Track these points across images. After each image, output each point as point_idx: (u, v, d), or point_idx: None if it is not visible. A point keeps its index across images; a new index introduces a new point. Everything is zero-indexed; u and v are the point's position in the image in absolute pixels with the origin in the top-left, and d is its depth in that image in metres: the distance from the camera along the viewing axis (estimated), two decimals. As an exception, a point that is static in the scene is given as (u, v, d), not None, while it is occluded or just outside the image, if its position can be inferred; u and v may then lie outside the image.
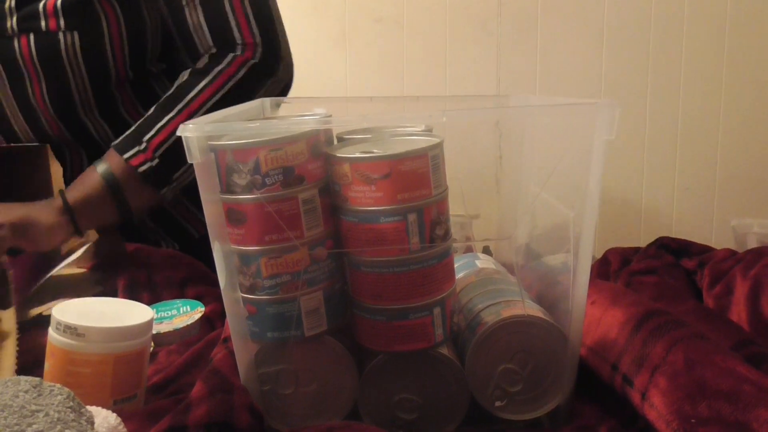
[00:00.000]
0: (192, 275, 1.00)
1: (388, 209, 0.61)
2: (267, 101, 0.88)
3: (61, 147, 1.19)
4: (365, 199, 0.61)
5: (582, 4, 2.12)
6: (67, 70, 1.11)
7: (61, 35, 1.09)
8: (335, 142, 0.69)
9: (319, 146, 0.64)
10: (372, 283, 0.63)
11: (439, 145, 0.63)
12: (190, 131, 0.59)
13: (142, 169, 1.04)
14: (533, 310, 0.66)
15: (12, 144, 1.16)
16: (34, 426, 0.49)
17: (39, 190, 1.11)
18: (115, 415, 0.57)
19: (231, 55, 1.10)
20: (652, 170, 2.15)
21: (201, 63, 1.11)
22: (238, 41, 1.10)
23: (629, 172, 2.15)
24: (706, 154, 2.13)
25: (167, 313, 0.88)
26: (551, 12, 2.12)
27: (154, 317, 0.70)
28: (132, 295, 0.93)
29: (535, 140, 0.78)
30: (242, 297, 0.64)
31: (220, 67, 1.08)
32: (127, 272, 0.99)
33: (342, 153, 0.63)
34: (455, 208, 0.67)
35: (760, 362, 0.67)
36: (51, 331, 0.66)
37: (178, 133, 0.60)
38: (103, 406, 0.58)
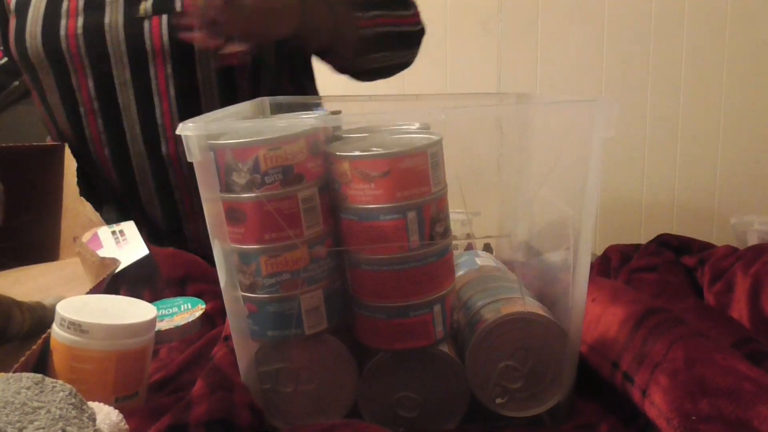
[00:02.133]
0: (192, 273, 1.00)
1: (387, 207, 0.61)
2: (266, 100, 0.88)
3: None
4: (365, 197, 0.61)
5: (582, 2, 2.12)
6: (195, 52, 1.09)
7: None
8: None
9: (319, 145, 0.64)
10: (372, 281, 0.63)
11: (438, 143, 0.63)
12: (190, 130, 0.59)
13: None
14: (533, 307, 0.66)
15: (26, 143, 1.14)
16: (36, 423, 0.49)
17: (48, 192, 1.11)
18: (117, 411, 0.57)
19: (414, 9, 1.24)
20: (653, 167, 2.15)
21: None
22: (415, 8, 1.25)
23: (630, 170, 2.15)
24: (707, 152, 2.13)
25: (168, 311, 0.88)
26: (551, 10, 2.12)
27: (157, 315, 0.70)
28: (133, 292, 0.93)
29: (535, 138, 0.78)
30: (242, 295, 0.64)
31: (409, 12, 1.24)
32: (129, 269, 0.99)
33: (341, 151, 0.63)
34: (456, 206, 0.67)
35: (760, 360, 0.67)
36: (55, 327, 0.66)
37: (178, 131, 0.60)
38: (105, 403, 0.58)
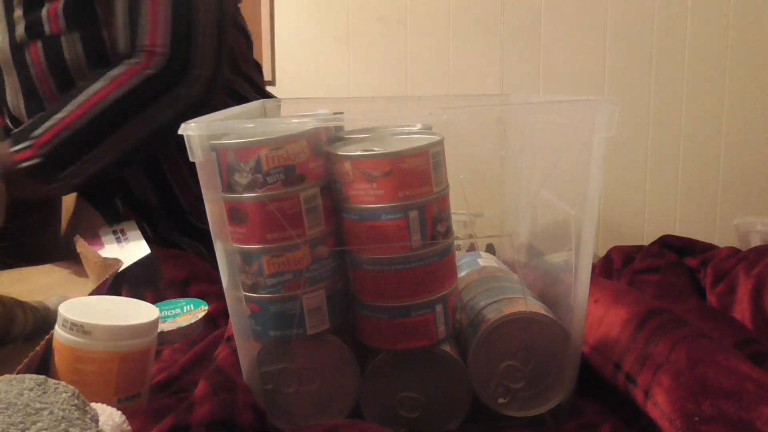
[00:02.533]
0: (195, 274, 1.00)
1: (389, 207, 0.61)
2: (270, 101, 0.88)
3: None
4: (366, 196, 0.61)
5: (585, 2, 2.12)
6: (72, 73, 1.10)
7: (63, 38, 1.08)
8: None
9: (320, 145, 0.64)
10: (374, 281, 0.63)
11: (439, 143, 0.63)
12: (192, 130, 0.59)
13: (24, 165, 1.00)
14: (535, 307, 0.66)
15: None
16: (39, 424, 0.49)
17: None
18: (119, 413, 0.57)
19: (130, 60, 1.03)
20: (655, 169, 2.15)
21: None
22: (143, 47, 1.03)
23: (632, 171, 2.15)
24: (709, 153, 2.13)
25: (171, 312, 0.89)
26: (554, 11, 2.12)
27: (160, 316, 0.70)
28: (135, 293, 0.93)
29: (537, 138, 0.78)
30: (244, 296, 0.64)
31: (114, 72, 1.02)
32: (132, 270, 1.00)
33: (343, 151, 0.63)
34: (458, 207, 0.67)
35: (763, 361, 0.67)
36: (57, 328, 0.66)
37: (180, 131, 0.60)
38: (107, 404, 0.59)
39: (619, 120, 0.59)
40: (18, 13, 1.11)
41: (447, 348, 0.65)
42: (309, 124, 0.63)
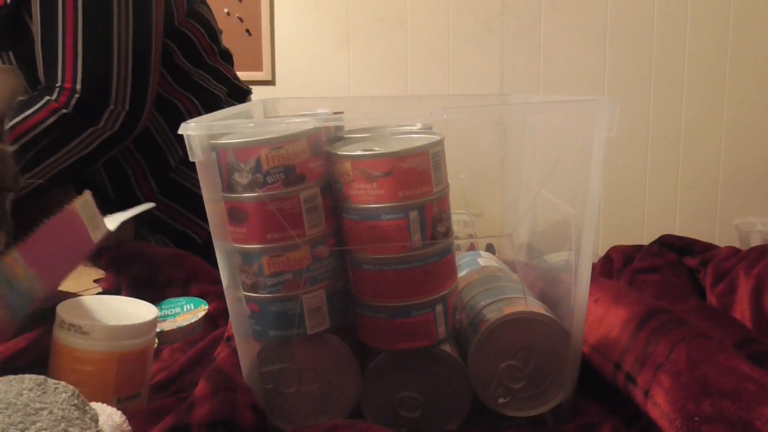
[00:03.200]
0: (196, 273, 1.00)
1: (389, 207, 0.61)
2: (268, 102, 0.88)
3: None
4: (367, 196, 0.61)
5: (585, 2, 2.12)
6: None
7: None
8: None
9: (321, 145, 0.64)
10: (374, 281, 0.63)
11: (440, 143, 0.63)
12: (192, 130, 0.59)
13: None
14: (535, 306, 0.66)
15: None
16: (38, 424, 0.49)
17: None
18: (120, 413, 0.57)
19: (46, 98, 1.01)
20: (656, 169, 2.15)
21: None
22: (58, 83, 1.02)
23: (632, 171, 2.15)
24: (709, 153, 2.13)
25: (171, 311, 0.89)
26: (554, 11, 2.12)
27: (158, 316, 0.70)
28: (136, 293, 0.93)
29: (538, 138, 0.78)
30: (245, 295, 0.64)
31: (31, 111, 1.01)
32: (131, 270, 1.00)
33: (343, 151, 0.63)
34: (458, 207, 0.67)
35: (763, 360, 0.67)
36: (55, 329, 0.66)
37: (180, 131, 0.60)
38: (106, 404, 0.58)
39: (619, 120, 0.59)
40: None
41: (447, 348, 0.65)
42: (309, 123, 0.63)
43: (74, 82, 1.02)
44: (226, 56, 1.33)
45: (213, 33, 1.29)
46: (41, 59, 1.04)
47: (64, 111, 1.01)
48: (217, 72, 1.27)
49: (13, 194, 0.73)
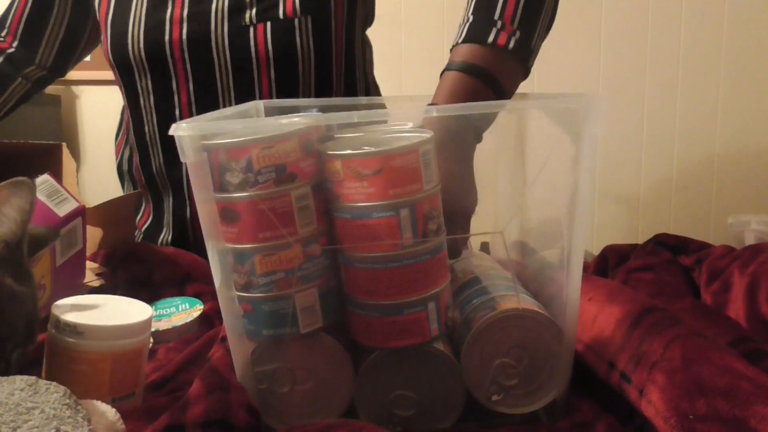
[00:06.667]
0: (192, 273, 1.00)
1: (380, 205, 0.61)
2: (260, 103, 0.88)
3: None
4: (357, 195, 0.61)
5: (579, 1, 2.12)
6: (298, 57, 1.14)
7: (296, 21, 1.12)
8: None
9: (311, 144, 0.64)
10: (366, 279, 0.63)
11: (429, 141, 0.63)
12: (183, 130, 0.59)
13: (511, 45, 0.87)
14: (528, 304, 0.66)
15: (25, 141, 1.16)
16: (30, 423, 0.49)
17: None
18: (113, 410, 0.57)
19: None
20: (650, 167, 2.15)
21: None
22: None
23: (627, 170, 2.15)
24: (704, 151, 2.13)
25: (166, 311, 0.89)
26: (549, 10, 2.12)
27: (153, 315, 0.70)
28: (131, 292, 0.93)
29: (530, 136, 0.78)
30: (237, 295, 0.64)
31: None
32: (128, 269, 1.00)
33: (333, 150, 0.63)
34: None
35: (757, 359, 0.67)
36: (49, 329, 0.66)
37: (171, 132, 0.60)
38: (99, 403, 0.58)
39: (613, 119, 0.59)
40: None
41: (440, 346, 0.65)
42: (299, 123, 0.63)
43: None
44: None
45: None
46: None
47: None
48: None
49: (24, 350, 0.63)
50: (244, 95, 1.15)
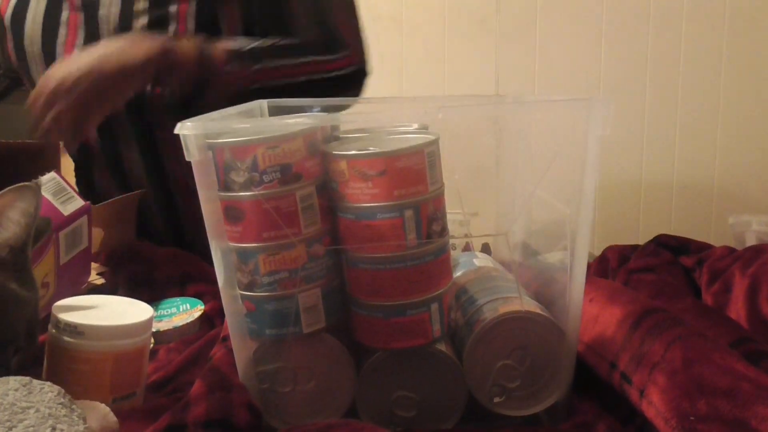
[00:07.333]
0: (192, 273, 1.00)
1: (384, 206, 0.61)
2: (264, 103, 0.88)
3: None
4: (362, 195, 0.61)
5: (580, 1, 2.12)
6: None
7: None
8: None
9: (316, 144, 0.64)
10: (369, 280, 0.63)
11: (435, 142, 0.63)
12: (188, 129, 0.59)
13: (235, 83, 1.08)
14: (531, 306, 0.66)
15: (21, 140, 1.17)
16: (26, 422, 0.49)
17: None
18: (104, 405, 0.57)
19: (344, 52, 1.18)
20: (651, 168, 2.15)
21: (308, 41, 1.17)
22: (344, 41, 1.18)
23: (627, 170, 2.15)
24: (705, 152, 2.13)
25: (167, 311, 0.88)
26: (550, 9, 2.12)
27: (154, 315, 0.70)
28: (132, 292, 0.93)
29: (533, 137, 0.78)
30: (240, 294, 0.64)
31: (333, 57, 1.16)
32: (128, 269, 1.00)
33: (338, 150, 0.63)
34: (453, 207, 0.67)
35: (758, 359, 0.67)
36: (50, 328, 0.66)
37: (176, 131, 0.60)
38: (102, 404, 0.58)
39: (614, 119, 0.59)
40: (141, 5, 1.14)
41: (442, 347, 0.65)
42: (305, 123, 0.63)
43: (357, 42, 1.21)
44: None
45: None
46: (314, 21, 1.18)
47: (358, 67, 1.21)
48: None
49: (24, 354, 0.63)
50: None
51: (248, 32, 1.16)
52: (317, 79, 1.15)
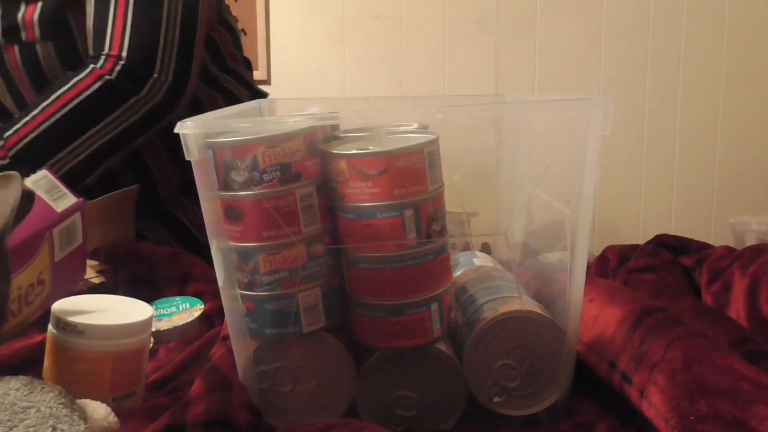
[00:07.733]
0: (192, 273, 1.00)
1: (384, 205, 0.61)
2: (264, 102, 0.88)
3: None
4: (362, 195, 0.61)
5: (580, 1, 2.12)
6: (48, 78, 1.13)
7: (37, 46, 1.11)
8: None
9: (316, 143, 0.64)
10: (369, 279, 0.63)
11: (434, 142, 0.63)
12: (188, 129, 0.59)
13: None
14: (531, 305, 0.66)
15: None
16: (27, 422, 0.49)
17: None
18: (104, 405, 0.57)
19: (92, 66, 1.06)
20: (651, 168, 2.16)
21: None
22: (105, 51, 1.06)
23: (628, 170, 2.15)
24: (705, 152, 2.13)
25: (167, 311, 0.88)
26: (550, 10, 2.13)
27: (154, 315, 0.70)
28: (132, 291, 0.93)
29: (533, 137, 0.78)
30: (240, 294, 0.64)
31: (78, 78, 1.06)
32: (128, 268, 1.00)
33: (338, 150, 0.63)
34: (453, 207, 0.67)
35: (758, 359, 0.67)
36: (50, 328, 0.66)
37: (176, 130, 0.60)
38: (102, 404, 0.58)
39: (614, 119, 0.59)
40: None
41: (442, 346, 0.65)
42: (305, 122, 0.63)
43: (120, 49, 1.05)
44: (247, 63, 1.39)
45: (237, 41, 1.35)
46: (92, 32, 1.08)
47: (108, 77, 1.04)
48: (241, 77, 1.32)
49: None
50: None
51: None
52: (69, 111, 1.05)
